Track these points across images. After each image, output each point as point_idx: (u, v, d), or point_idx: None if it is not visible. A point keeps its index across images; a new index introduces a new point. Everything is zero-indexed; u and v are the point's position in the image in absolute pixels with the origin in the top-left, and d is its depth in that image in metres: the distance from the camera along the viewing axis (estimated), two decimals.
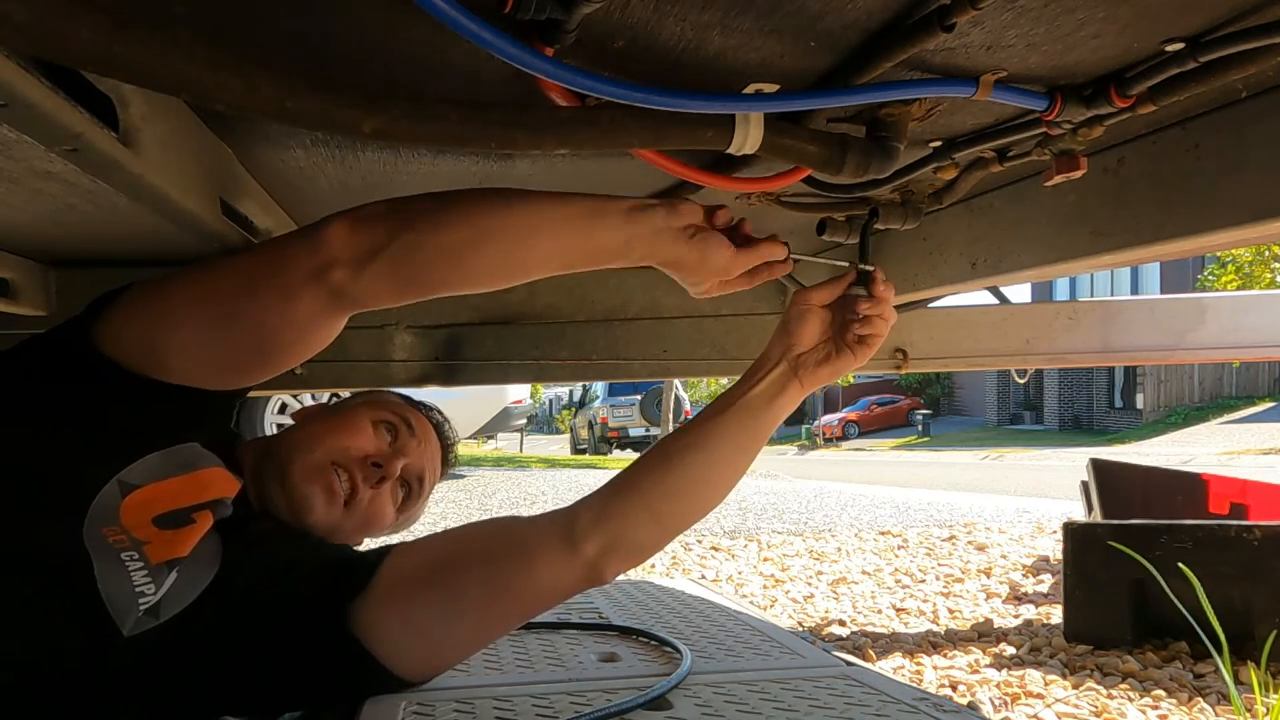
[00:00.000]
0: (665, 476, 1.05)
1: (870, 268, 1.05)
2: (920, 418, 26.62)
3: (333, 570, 1.06)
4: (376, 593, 1.03)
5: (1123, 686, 1.80)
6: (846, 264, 1.08)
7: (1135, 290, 22.32)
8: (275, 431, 1.35)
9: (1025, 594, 2.76)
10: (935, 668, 1.98)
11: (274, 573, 1.03)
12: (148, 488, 0.95)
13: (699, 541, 4.01)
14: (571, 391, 29.63)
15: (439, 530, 1.13)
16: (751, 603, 2.70)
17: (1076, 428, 23.11)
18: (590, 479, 8.23)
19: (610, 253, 0.97)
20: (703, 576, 3.13)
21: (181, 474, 0.99)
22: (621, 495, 1.05)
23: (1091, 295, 19.95)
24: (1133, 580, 2.01)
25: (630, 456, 16.53)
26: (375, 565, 1.05)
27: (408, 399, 1.33)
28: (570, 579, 1.04)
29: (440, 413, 1.35)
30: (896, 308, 1.96)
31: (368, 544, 1.16)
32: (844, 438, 27.30)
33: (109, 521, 0.91)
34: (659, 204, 0.97)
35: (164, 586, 0.93)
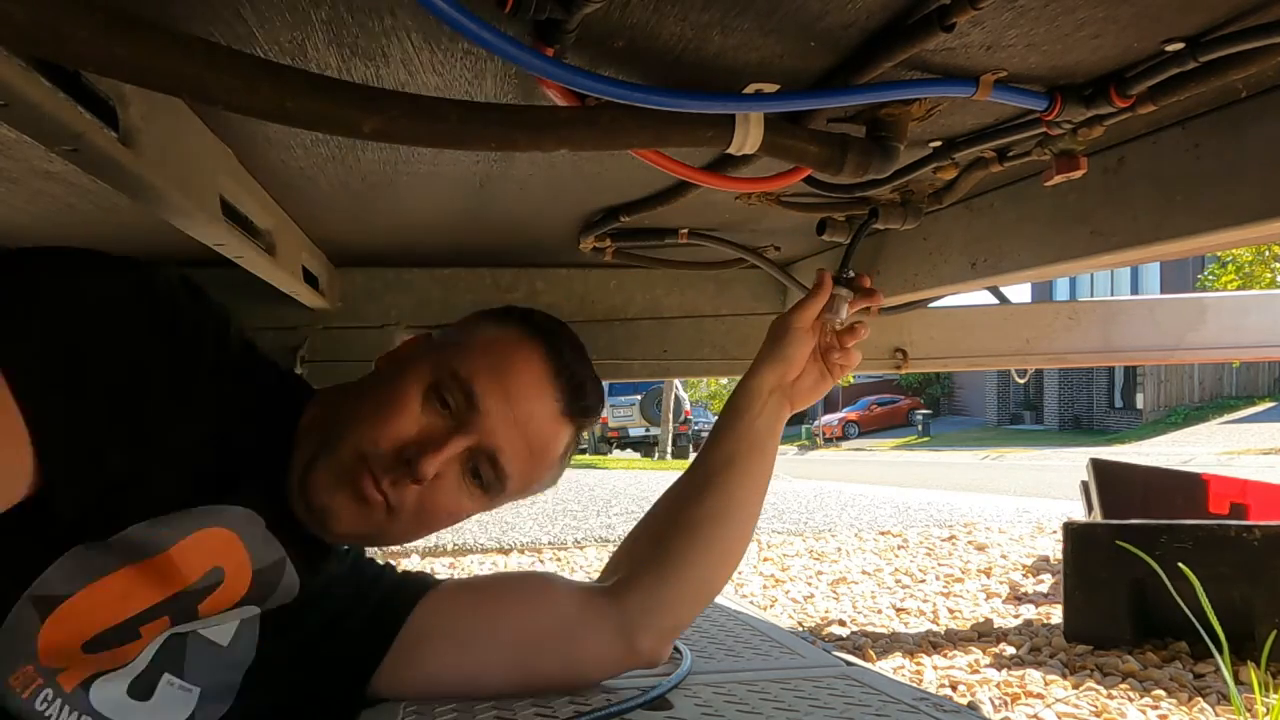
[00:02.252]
0: (699, 546, 1.01)
1: (850, 274, 1.07)
2: (920, 418, 26.62)
3: (359, 634, 0.95)
4: (400, 653, 0.94)
5: (1123, 686, 1.80)
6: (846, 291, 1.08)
7: (1135, 290, 22.31)
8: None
9: (1025, 594, 2.76)
10: (935, 668, 1.98)
11: (306, 643, 0.93)
12: (79, 595, 0.72)
13: None
14: None
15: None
16: (751, 603, 2.70)
17: (1076, 428, 23.10)
18: (590, 479, 8.23)
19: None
20: None
21: (133, 562, 0.75)
22: (663, 581, 1.00)
23: (1091, 295, 19.94)
24: (1133, 580, 2.01)
25: (630, 456, 16.54)
26: (400, 620, 0.95)
27: (531, 325, 0.94)
28: (623, 667, 1.02)
29: (569, 344, 0.95)
30: (897, 308, 1.97)
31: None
32: (844, 438, 27.31)
33: (21, 660, 0.70)
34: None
35: (188, 703, 0.81)
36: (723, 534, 1.02)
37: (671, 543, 1.02)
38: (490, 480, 0.89)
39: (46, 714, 0.72)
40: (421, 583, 1.00)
